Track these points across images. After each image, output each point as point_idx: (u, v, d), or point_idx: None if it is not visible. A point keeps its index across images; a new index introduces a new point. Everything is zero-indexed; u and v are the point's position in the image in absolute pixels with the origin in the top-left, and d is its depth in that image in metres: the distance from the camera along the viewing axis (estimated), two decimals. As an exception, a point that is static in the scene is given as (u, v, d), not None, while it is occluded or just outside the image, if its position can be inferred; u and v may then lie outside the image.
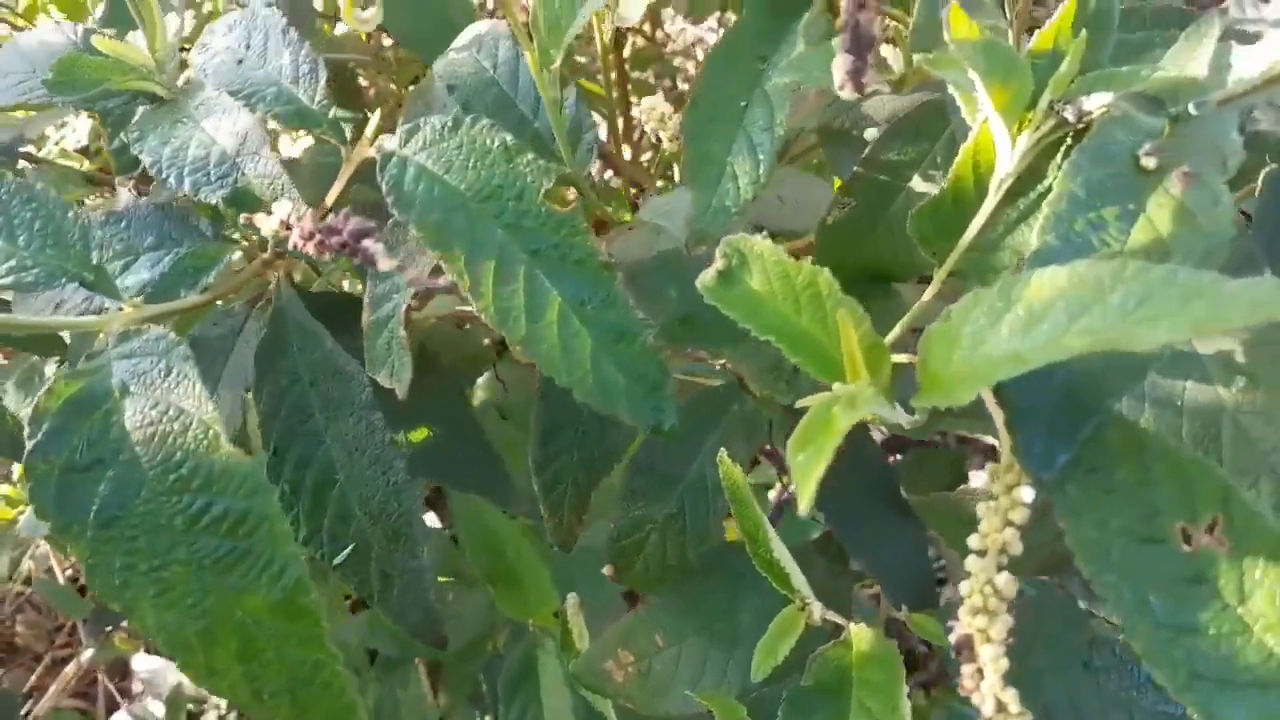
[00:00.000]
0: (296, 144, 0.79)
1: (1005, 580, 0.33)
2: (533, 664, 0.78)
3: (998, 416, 0.34)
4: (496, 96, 0.56)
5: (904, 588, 0.57)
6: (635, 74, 1.09)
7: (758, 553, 0.49)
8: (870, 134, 0.58)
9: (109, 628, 1.12)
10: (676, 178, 0.88)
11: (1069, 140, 0.38)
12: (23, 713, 1.22)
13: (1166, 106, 0.37)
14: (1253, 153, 0.38)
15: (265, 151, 0.49)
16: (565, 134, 0.51)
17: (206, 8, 0.86)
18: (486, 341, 0.80)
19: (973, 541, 0.34)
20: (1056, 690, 0.52)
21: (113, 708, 1.30)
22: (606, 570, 0.60)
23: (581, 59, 1.03)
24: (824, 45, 0.43)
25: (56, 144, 1.04)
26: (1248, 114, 0.39)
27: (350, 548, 0.50)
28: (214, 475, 0.37)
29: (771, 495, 1.03)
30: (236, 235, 0.52)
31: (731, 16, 0.97)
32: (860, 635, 0.48)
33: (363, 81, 0.95)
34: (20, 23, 0.98)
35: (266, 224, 0.43)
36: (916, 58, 0.37)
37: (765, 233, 0.64)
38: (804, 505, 0.28)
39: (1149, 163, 0.35)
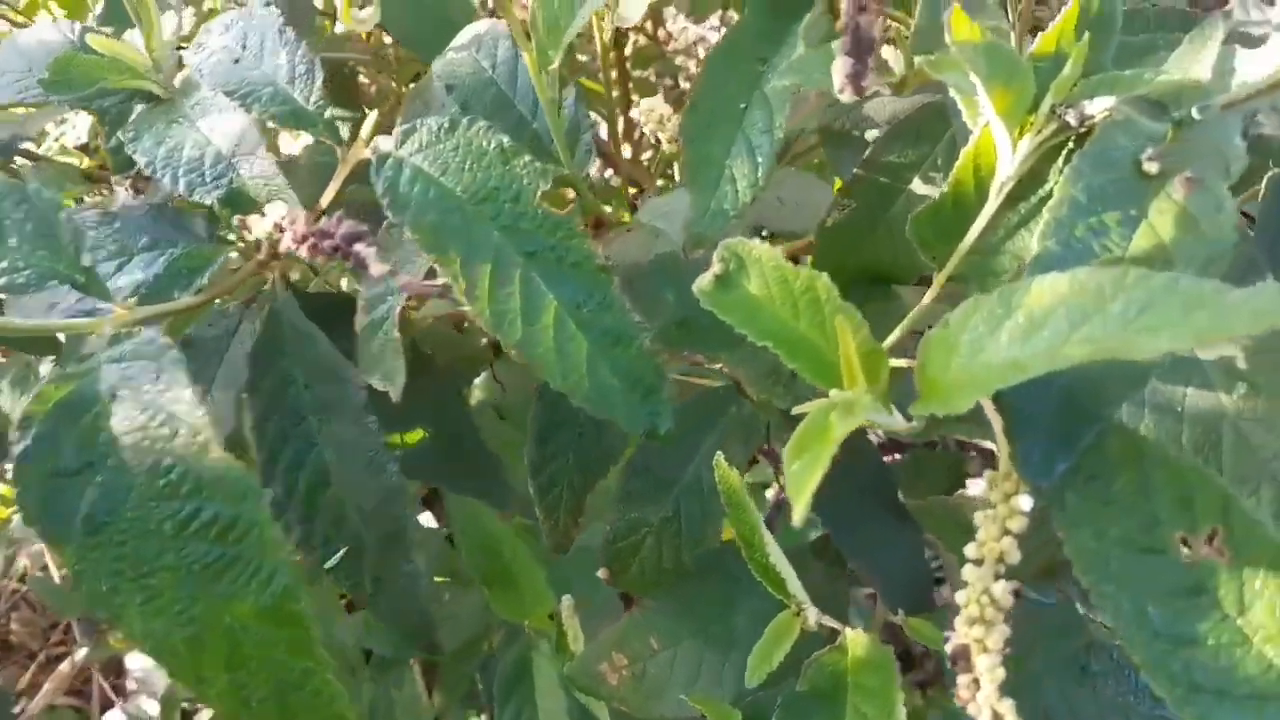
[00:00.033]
0: (297, 141, 0.79)
1: (1002, 590, 0.33)
2: (527, 665, 0.78)
3: (996, 424, 0.34)
4: (495, 97, 0.56)
5: (901, 591, 0.56)
6: (636, 72, 1.09)
7: (753, 557, 0.48)
8: (871, 135, 0.57)
9: (104, 626, 1.12)
10: (677, 177, 0.88)
11: (1071, 144, 0.38)
12: (17, 710, 1.22)
13: (1169, 111, 0.37)
14: (1256, 156, 0.38)
15: (261, 152, 0.49)
16: (563, 135, 0.51)
17: (207, 5, 0.85)
18: (484, 342, 0.80)
19: (970, 550, 0.34)
20: (1054, 695, 0.51)
21: (107, 706, 1.30)
22: (602, 573, 0.60)
23: (583, 57, 1.03)
24: (824, 47, 0.43)
25: (56, 140, 1.04)
26: (1251, 118, 0.38)
27: (344, 551, 0.50)
28: (203, 480, 0.36)
29: (769, 494, 1.03)
30: (231, 236, 0.52)
31: (734, 15, 0.96)
32: (856, 640, 0.48)
33: (364, 79, 0.95)
34: (20, 19, 0.98)
35: (260, 226, 0.43)
36: (918, 60, 0.36)
37: (766, 233, 0.64)
38: (798, 516, 0.28)
39: (1151, 168, 0.35)
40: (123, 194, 0.70)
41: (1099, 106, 0.36)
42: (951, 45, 0.35)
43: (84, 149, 1.03)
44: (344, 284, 0.81)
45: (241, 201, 0.48)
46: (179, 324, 0.56)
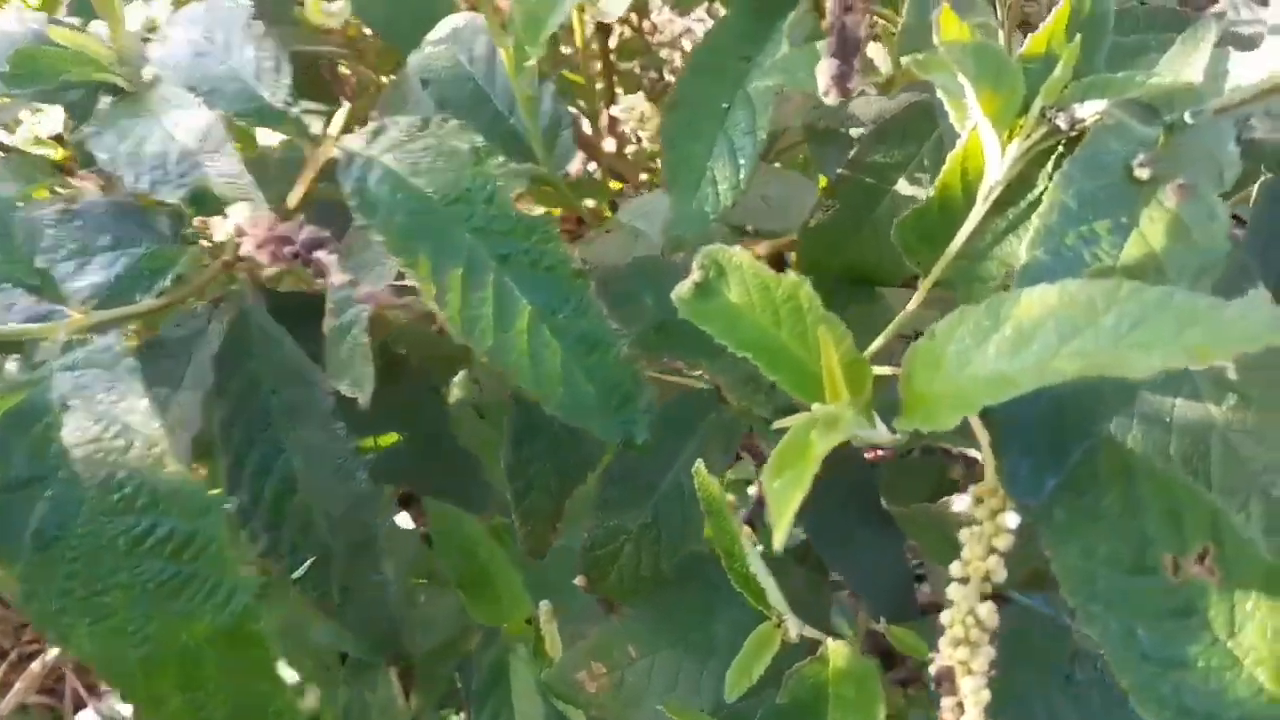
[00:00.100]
0: (277, 131, 0.76)
1: (988, 611, 0.32)
2: (505, 669, 0.77)
3: (983, 438, 0.33)
4: (472, 92, 0.54)
5: (883, 599, 0.55)
6: (622, 65, 1.07)
7: (733, 567, 0.47)
8: (857, 133, 0.56)
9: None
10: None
11: (1061, 148, 0.37)
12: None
13: (1161, 115, 0.36)
14: (1248, 161, 0.37)
15: (227, 149, 0.47)
16: (540, 133, 0.49)
17: (179, -7, 0.83)
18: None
19: (954, 569, 0.33)
20: (1038, 705, 0.51)
21: (79, 706, 1.28)
22: (579, 580, 0.59)
23: (566, 49, 1.01)
24: (809, 47, 0.41)
25: (30, 129, 1.01)
26: (1244, 122, 0.37)
27: (311, 560, 0.48)
28: (159, 495, 0.35)
29: (752, 490, 1.02)
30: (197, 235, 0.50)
31: (720, 8, 0.95)
32: (838, 652, 0.47)
33: (344, 69, 0.93)
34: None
35: (221, 228, 0.41)
36: (904, 59, 0.35)
37: (752, 228, 0.63)
38: (779, 539, 0.26)
39: (1143, 174, 0.34)
40: (90, 189, 0.68)
41: (1090, 110, 0.35)
42: (939, 45, 0.34)
43: (59, 139, 1.00)
44: (320, 282, 0.79)
45: (207, 200, 0.46)
46: (153, 322, 0.54)
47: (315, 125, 0.71)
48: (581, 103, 0.89)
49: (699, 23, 1.04)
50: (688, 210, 0.45)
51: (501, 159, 0.41)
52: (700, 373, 0.51)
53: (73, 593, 0.35)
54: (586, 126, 0.87)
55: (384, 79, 0.89)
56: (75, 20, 0.61)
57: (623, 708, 0.56)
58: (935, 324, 0.32)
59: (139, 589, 0.35)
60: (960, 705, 0.32)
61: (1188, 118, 0.35)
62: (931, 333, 0.32)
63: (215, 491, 0.58)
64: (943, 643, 0.33)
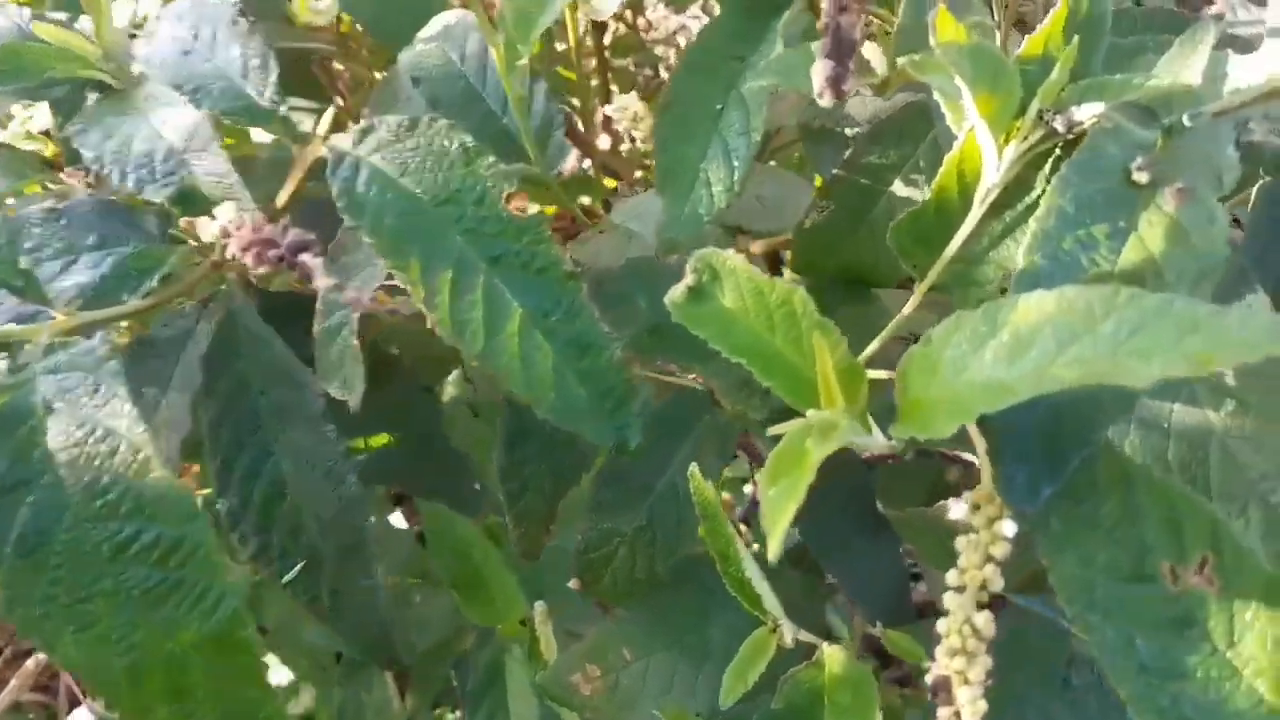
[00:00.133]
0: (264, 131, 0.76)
1: (985, 620, 0.32)
2: (499, 670, 0.77)
3: (979, 445, 0.33)
4: (464, 90, 0.54)
5: (879, 603, 0.55)
6: (617, 61, 1.06)
7: (729, 572, 0.47)
8: (852, 132, 0.56)
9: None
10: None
11: (1058, 151, 0.36)
12: (-17, 707, 1.19)
13: (1160, 117, 0.35)
14: (1246, 164, 0.37)
15: (214, 148, 0.46)
16: (532, 133, 0.49)
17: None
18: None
19: (951, 577, 0.33)
20: (1034, 710, 0.50)
21: (75, 703, 1.27)
22: (574, 583, 0.58)
23: (561, 45, 1.00)
24: (804, 47, 0.41)
25: (21, 124, 1.00)
26: (1243, 125, 0.37)
27: (301, 564, 0.48)
28: (144, 501, 0.34)
29: (748, 489, 1.01)
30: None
31: (714, 5, 0.94)
32: (833, 657, 0.47)
33: (338, 65, 0.92)
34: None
35: (207, 230, 0.41)
36: (900, 60, 0.35)
37: (747, 229, 0.63)
38: (774, 549, 0.26)
39: (1141, 177, 0.33)
40: (77, 187, 0.67)
41: (1088, 112, 0.35)
42: (936, 46, 0.33)
43: (49, 134, 0.99)
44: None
45: (194, 199, 0.45)
46: (144, 320, 0.54)
47: (306, 123, 0.71)
48: (575, 100, 0.88)
49: (694, 20, 1.03)
50: (681, 213, 0.44)
51: (492, 159, 0.40)
52: (694, 375, 0.50)
53: (56, 600, 0.34)
54: (580, 123, 0.86)
55: (377, 75, 0.88)
56: (61, 15, 0.60)
57: (617, 710, 0.56)
58: (931, 329, 0.31)
59: (124, 596, 0.34)
60: (957, 715, 0.32)
61: (1186, 121, 0.35)
62: (928, 338, 0.31)
63: (205, 492, 0.57)
64: (939, 652, 0.32)
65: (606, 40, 0.95)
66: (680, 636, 0.56)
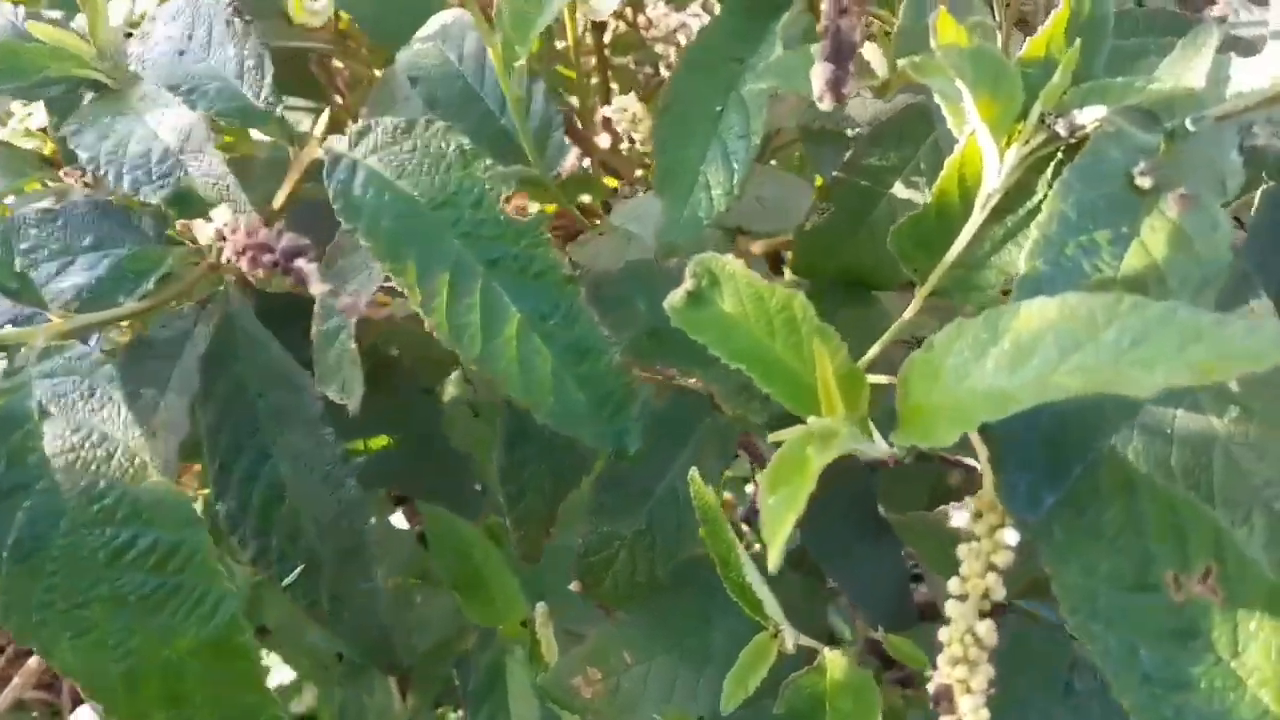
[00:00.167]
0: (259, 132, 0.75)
1: (987, 629, 0.32)
2: (501, 671, 0.77)
3: (981, 452, 0.32)
4: (462, 90, 0.53)
5: (881, 608, 0.55)
6: (617, 59, 1.06)
7: (729, 576, 0.47)
8: (852, 132, 0.55)
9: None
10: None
11: (1060, 155, 0.36)
12: (-16, 705, 1.19)
13: (1162, 121, 0.35)
14: (1249, 168, 0.37)
15: (210, 149, 0.46)
16: (531, 134, 0.48)
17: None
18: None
19: (953, 586, 0.32)
20: (1036, 715, 0.50)
21: (78, 701, 1.27)
22: (574, 586, 0.58)
23: (561, 43, 1.00)
24: (804, 48, 0.40)
25: (21, 121, 1.00)
26: (1246, 129, 0.37)
27: (300, 568, 0.47)
28: (141, 506, 0.34)
29: (750, 489, 1.01)
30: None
31: (715, 3, 0.94)
32: (835, 663, 0.46)
33: (337, 63, 0.92)
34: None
35: (203, 232, 0.41)
36: (901, 62, 0.34)
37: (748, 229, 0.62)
38: (773, 562, 0.26)
39: (1144, 182, 0.33)
40: (75, 187, 0.67)
41: (1090, 116, 0.34)
42: (936, 49, 0.33)
43: (48, 130, 0.99)
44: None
45: (190, 201, 0.45)
46: (145, 321, 0.53)
47: (304, 122, 0.70)
48: (575, 98, 0.88)
49: (694, 17, 1.03)
50: (680, 216, 0.44)
51: (489, 162, 0.40)
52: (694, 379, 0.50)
53: (53, 605, 0.34)
54: (580, 122, 0.86)
55: (376, 72, 0.87)
56: (57, 14, 0.60)
57: (618, 714, 0.56)
58: (933, 335, 0.31)
59: (121, 601, 0.34)
60: (958, 724, 0.32)
61: (1189, 125, 0.34)
62: (929, 345, 0.31)
63: (206, 492, 0.57)
64: (941, 660, 0.32)
65: (606, 38, 0.94)
66: (681, 640, 0.56)
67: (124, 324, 0.52)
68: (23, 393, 0.36)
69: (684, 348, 0.43)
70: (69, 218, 0.48)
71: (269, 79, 0.47)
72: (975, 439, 0.32)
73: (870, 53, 0.49)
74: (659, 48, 1.09)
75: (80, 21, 0.56)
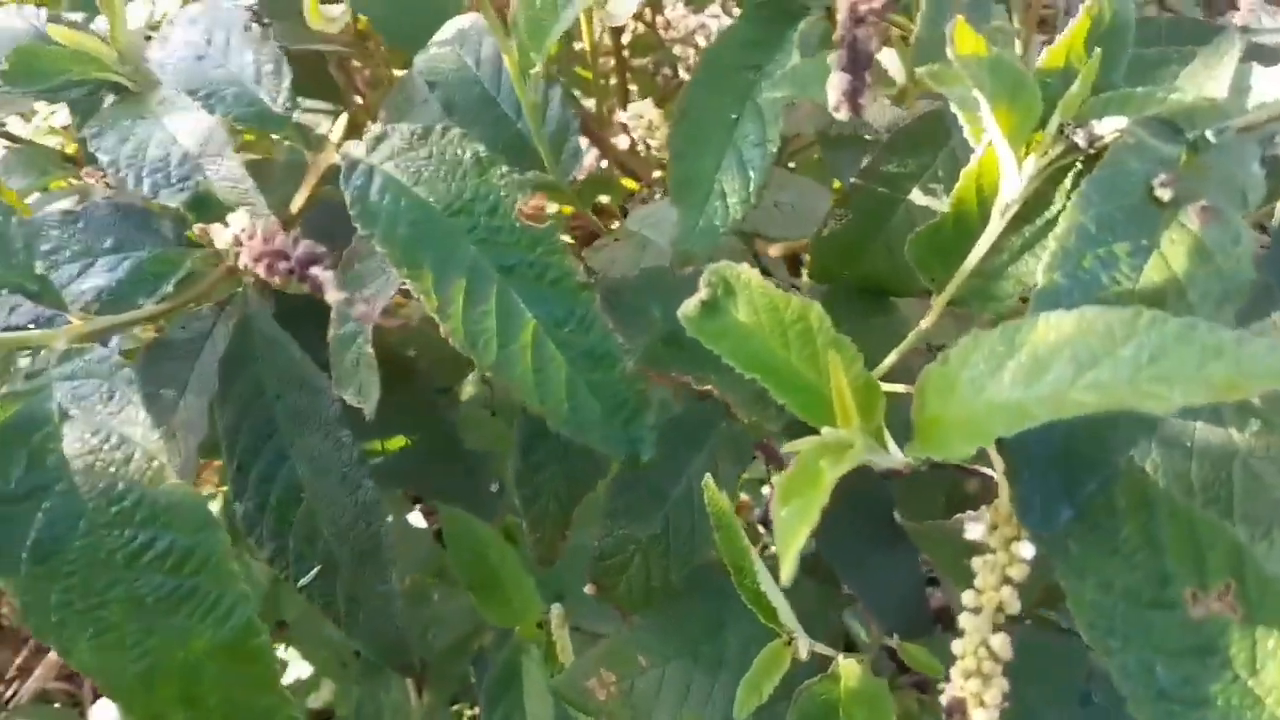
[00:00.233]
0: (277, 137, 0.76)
1: (1001, 642, 0.31)
2: (516, 670, 0.77)
3: (997, 465, 0.32)
4: (479, 95, 0.53)
5: (896, 615, 0.54)
6: (635, 61, 1.06)
7: (744, 583, 0.47)
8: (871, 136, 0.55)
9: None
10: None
11: (1079, 165, 0.36)
12: (8, 695, 1.21)
13: (1183, 132, 0.35)
14: (1271, 179, 0.36)
15: (229, 152, 0.46)
16: (547, 139, 0.48)
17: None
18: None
19: (968, 599, 0.32)
20: (1053, 728, 0.50)
21: (99, 694, 1.29)
22: (589, 589, 0.58)
23: (579, 45, 1.00)
24: (820, 57, 0.40)
25: (45, 119, 1.01)
26: (1269, 140, 0.36)
27: (317, 569, 0.48)
28: (158, 508, 0.34)
29: (766, 490, 1.01)
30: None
31: (733, 4, 0.93)
32: (849, 670, 0.46)
33: (357, 64, 0.92)
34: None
35: (221, 237, 0.41)
36: (919, 71, 0.34)
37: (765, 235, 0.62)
38: (786, 573, 0.26)
39: (1164, 194, 0.33)
40: (98, 187, 0.68)
41: (1109, 126, 0.34)
42: (954, 58, 0.33)
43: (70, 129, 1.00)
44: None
45: (209, 204, 0.45)
46: (168, 321, 0.54)
47: (323, 124, 0.71)
48: (593, 99, 0.88)
49: (713, 19, 1.02)
50: (696, 224, 0.44)
51: (505, 169, 0.40)
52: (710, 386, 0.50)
53: (71, 605, 0.34)
54: (597, 124, 0.86)
55: (396, 73, 0.88)
56: (77, 16, 0.61)
57: (632, 717, 0.56)
58: (949, 349, 0.31)
59: (138, 603, 0.35)
60: (970, 738, 0.31)
61: (1211, 136, 0.34)
62: (945, 357, 0.31)
63: (225, 489, 0.57)
64: (954, 673, 0.32)
65: (625, 40, 0.94)
66: (696, 645, 0.56)
67: (146, 326, 0.53)
68: (43, 394, 0.37)
69: (699, 355, 0.43)
70: (90, 220, 0.48)
71: (286, 84, 0.47)
72: (991, 450, 0.32)
73: (888, 59, 0.49)
74: (677, 49, 1.09)
75: (100, 24, 0.57)
